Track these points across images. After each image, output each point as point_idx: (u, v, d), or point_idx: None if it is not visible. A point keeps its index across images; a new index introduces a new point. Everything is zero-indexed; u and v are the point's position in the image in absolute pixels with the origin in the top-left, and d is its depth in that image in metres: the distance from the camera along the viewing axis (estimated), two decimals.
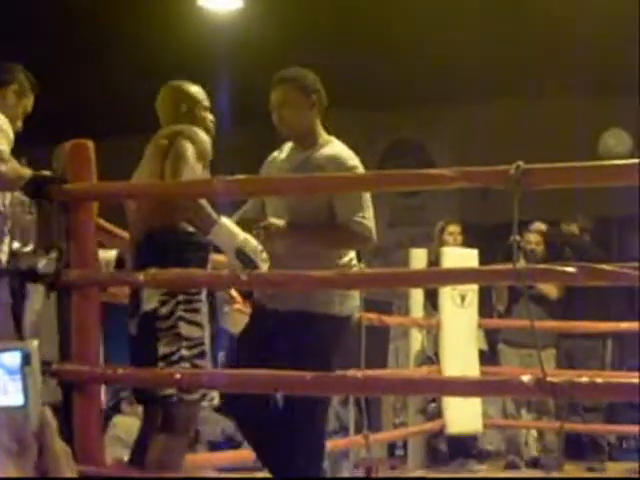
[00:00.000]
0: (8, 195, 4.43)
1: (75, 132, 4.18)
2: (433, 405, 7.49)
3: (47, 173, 3.97)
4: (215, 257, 4.05)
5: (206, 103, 4.20)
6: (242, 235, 3.85)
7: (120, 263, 4.25)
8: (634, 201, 6.20)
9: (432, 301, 7.49)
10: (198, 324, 3.84)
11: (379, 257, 10.12)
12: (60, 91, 8.98)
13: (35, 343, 2.40)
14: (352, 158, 4.20)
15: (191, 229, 3.88)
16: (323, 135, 4.29)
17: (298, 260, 4.03)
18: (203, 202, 3.81)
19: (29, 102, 4.88)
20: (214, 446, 8.60)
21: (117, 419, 7.31)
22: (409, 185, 4.59)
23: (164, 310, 3.81)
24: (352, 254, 4.29)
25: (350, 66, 9.15)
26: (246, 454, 5.32)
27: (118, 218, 4.24)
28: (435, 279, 4.32)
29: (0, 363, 2.36)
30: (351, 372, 3.99)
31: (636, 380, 3.33)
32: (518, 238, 3.90)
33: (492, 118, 11.10)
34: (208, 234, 3.81)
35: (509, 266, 3.54)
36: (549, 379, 3.26)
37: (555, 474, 7.17)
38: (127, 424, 7.24)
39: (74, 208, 3.92)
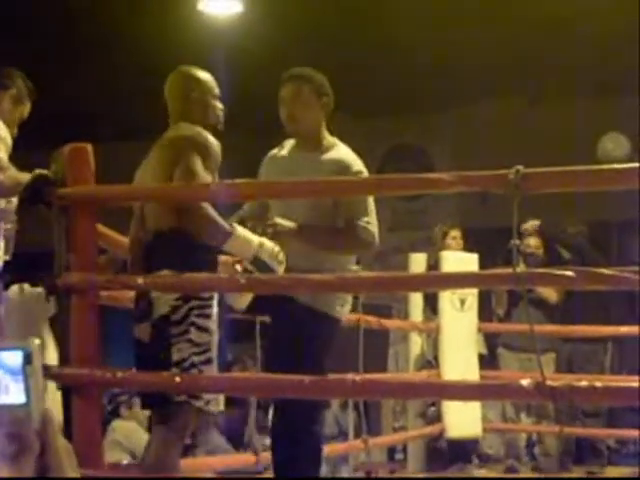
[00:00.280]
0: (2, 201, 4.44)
1: (73, 136, 4.16)
2: (433, 409, 7.49)
3: (46, 173, 3.97)
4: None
5: (216, 91, 4.11)
6: (257, 241, 3.85)
7: (117, 264, 4.21)
8: (633, 205, 6.21)
9: (432, 305, 7.49)
10: (208, 330, 3.80)
11: (379, 261, 10.12)
12: (59, 95, 9.00)
13: (37, 342, 2.40)
14: (357, 163, 4.25)
15: None
16: (328, 138, 4.34)
17: (307, 261, 4.08)
18: (213, 215, 3.79)
19: (26, 108, 4.90)
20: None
21: (116, 423, 7.30)
22: (409, 189, 4.60)
23: (177, 316, 3.76)
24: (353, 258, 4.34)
25: (350, 70, 9.14)
26: (246, 458, 5.34)
27: (114, 221, 4.22)
28: (435, 283, 4.32)
29: (1, 363, 2.36)
30: (350, 375, 3.99)
31: (635, 384, 3.33)
32: (518, 242, 3.89)
33: (492, 122, 11.11)
34: (223, 246, 3.81)
35: (509, 270, 3.54)
36: (548, 383, 3.26)
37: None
38: (126, 428, 7.24)
39: (73, 212, 3.92)
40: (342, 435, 8.35)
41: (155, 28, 8.81)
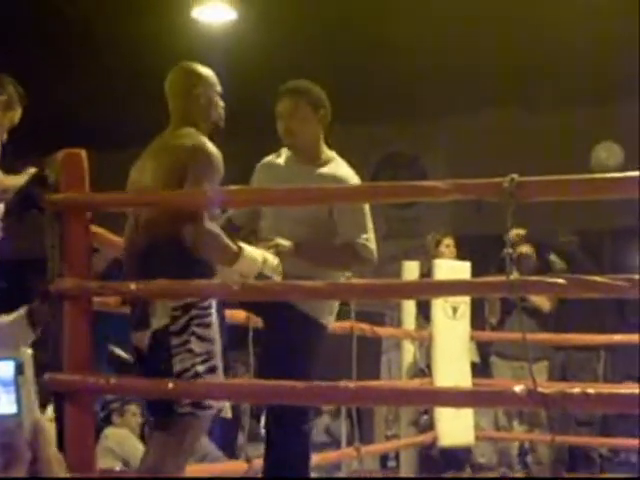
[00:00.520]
0: None
1: (65, 143, 4.14)
2: (425, 417, 7.48)
3: (44, 173, 3.95)
4: None
5: (218, 88, 4.05)
6: (261, 258, 3.86)
7: (107, 260, 4.16)
8: (627, 213, 6.22)
9: (424, 313, 7.49)
10: (210, 339, 3.77)
11: (372, 269, 10.11)
12: (52, 100, 8.99)
13: (29, 352, 2.40)
14: (354, 178, 4.29)
15: None
16: (326, 151, 4.36)
17: (298, 268, 4.08)
18: (221, 237, 3.77)
19: (16, 114, 4.89)
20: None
21: (108, 431, 7.27)
22: (402, 197, 4.59)
23: (176, 326, 3.73)
24: None
25: (344, 78, 9.16)
26: (237, 466, 5.33)
27: (109, 225, 4.21)
28: (427, 291, 4.32)
29: None
30: (343, 382, 3.99)
31: (628, 391, 3.33)
32: (511, 251, 3.90)
33: (487, 130, 11.13)
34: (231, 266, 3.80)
35: (501, 277, 3.54)
36: (540, 390, 3.26)
37: None
38: (119, 436, 7.21)
39: (66, 218, 3.91)
40: (334, 444, 8.35)
41: (150, 36, 8.82)
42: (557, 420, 7.19)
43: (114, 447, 7.05)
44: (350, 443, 6.58)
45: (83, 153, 3.97)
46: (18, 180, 4.08)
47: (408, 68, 9.60)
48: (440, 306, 7.31)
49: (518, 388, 3.30)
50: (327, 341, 4.32)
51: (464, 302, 7.36)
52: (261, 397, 3.85)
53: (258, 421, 8.49)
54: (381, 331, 7.33)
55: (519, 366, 7.20)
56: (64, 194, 3.92)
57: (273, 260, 3.90)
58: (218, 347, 3.80)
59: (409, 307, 7.48)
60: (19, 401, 2.35)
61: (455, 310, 7.36)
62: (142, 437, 7.43)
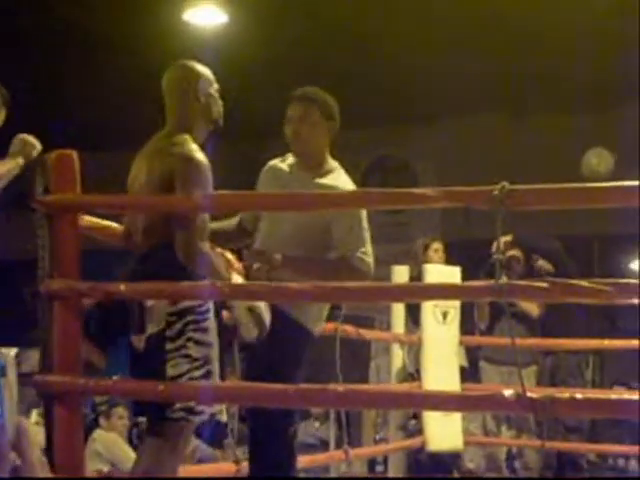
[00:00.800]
0: None
1: (57, 143, 4.12)
2: (414, 422, 7.48)
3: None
4: None
5: (216, 86, 4.03)
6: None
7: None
8: (615, 220, 6.23)
9: (414, 317, 7.49)
10: (207, 344, 3.77)
11: None
12: (44, 101, 8.99)
13: (12, 354, 2.39)
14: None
15: None
16: (330, 162, 4.38)
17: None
18: (215, 263, 3.78)
19: (0, 117, 4.85)
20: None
21: (97, 434, 7.27)
22: (392, 204, 4.61)
23: (172, 331, 3.73)
24: None
25: (335, 82, 9.16)
26: (227, 467, 5.32)
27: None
28: (416, 294, 4.32)
29: None
30: (332, 385, 4.00)
31: (617, 397, 3.34)
32: (500, 256, 3.90)
33: (477, 136, 11.14)
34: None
35: (490, 282, 3.53)
36: (529, 394, 3.27)
37: None
38: (106, 439, 7.20)
39: (57, 219, 3.91)
40: (322, 447, 8.34)
41: (140, 38, 8.82)
42: (545, 425, 7.19)
43: (102, 451, 7.06)
44: (339, 446, 6.57)
45: (74, 154, 3.97)
46: (6, 166, 4.03)
47: (399, 70, 9.61)
48: (430, 311, 7.30)
49: (507, 393, 3.30)
50: (313, 347, 4.32)
51: (454, 307, 7.36)
52: (250, 400, 3.84)
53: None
54: (370, 334, 7.32)
55: (508, 371, 7.21)
56: (55, 195, 3.91)
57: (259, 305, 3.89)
58: (215, 351, 3.80)
59: (398, 311, 7.47)
60: (1, 403, 2.34)
61: (445, 315, 7.36)
62: (130, 440, 7.43)
